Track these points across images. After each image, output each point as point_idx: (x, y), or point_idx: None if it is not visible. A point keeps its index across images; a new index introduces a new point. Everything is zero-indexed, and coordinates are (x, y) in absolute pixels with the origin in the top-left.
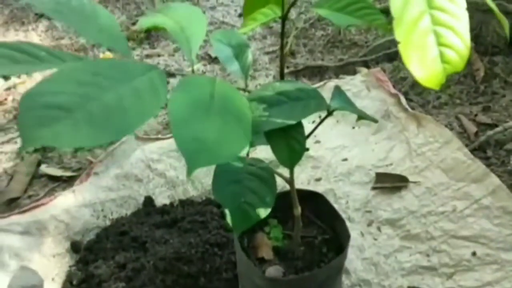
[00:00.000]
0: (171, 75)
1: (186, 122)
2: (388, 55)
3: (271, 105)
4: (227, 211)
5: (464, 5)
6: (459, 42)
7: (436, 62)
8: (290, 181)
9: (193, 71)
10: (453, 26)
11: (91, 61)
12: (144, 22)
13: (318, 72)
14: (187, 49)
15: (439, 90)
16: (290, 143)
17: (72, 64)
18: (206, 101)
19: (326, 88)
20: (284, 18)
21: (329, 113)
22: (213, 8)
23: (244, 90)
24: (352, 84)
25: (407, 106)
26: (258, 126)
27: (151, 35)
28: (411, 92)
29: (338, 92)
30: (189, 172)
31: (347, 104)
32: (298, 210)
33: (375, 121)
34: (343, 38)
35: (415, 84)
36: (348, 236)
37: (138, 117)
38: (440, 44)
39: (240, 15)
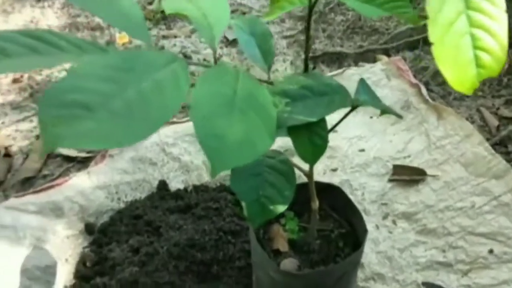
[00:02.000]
0: (187, 57)
1: (209, 119)
2: (410, 43)
3: (294, 99)
4: (243, 204)
5: (504, 6)
6: (496, 45)
7: (470, 65)
8: (309, 174)
9: (215, 61)
10: (491, 29)
11: (112, 53)
12: (167, 6)
13: (337, 59)
14: (209, 37)
15: None
16: (313, 139)
17: (92, 58)
18: (230, 96)
19: (345, 76)
20: (311, 7)
21: (353, 108)
22: None
23: (267, 82)
24: (372, 72)
25: (428, 97)
26: (281, 121)
27: (169, 16)
28: (432, 83)
29: (363, 85)
30: (213, 174)
31: (373, 99)
32: (316, 204)
33: (400, 116)
34: (364, 24)
35: (436, 74)
36: (365, 231)
37: (161, 114)
38: (476, 47)
39: None
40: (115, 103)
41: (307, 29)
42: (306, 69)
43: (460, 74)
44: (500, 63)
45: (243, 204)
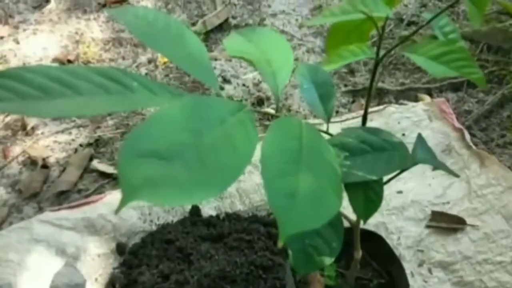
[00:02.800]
0: (227, 81)
1: (279, 176)
2: (453, 85)
3: (353, 153)
4: (290, 252)
5: None
6: None
7: None
8: (356, 224)
9: (277, 110)
10: None
11: (185, 100)
12: (230, 48)
13: (378, 95)
14: (273, 85)
15: (505, 128)
16: (368, 194)
17: (167, 107)
18: (296, 151)
19: (386, 113)
20: (377, 62)
21: (411, 165)
22: (273, 15)
23: (326, 133)
24: (413, 112)
25: (471, 143)
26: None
27: (210, 37)
28: (475, 127)
29: (421, 142)
30: (283, 236)
31: (431, 157)
32: (359, 253)
33: (457, 176)
34: (406, 61)
35: (480, 119)
36: (407, 285)
37: (233, 166)
38: None
39: (300, 26)
40: (190, 154)
41: (370, 82)
42: (364, 122)
43: None
44: None
45: (290, 252)
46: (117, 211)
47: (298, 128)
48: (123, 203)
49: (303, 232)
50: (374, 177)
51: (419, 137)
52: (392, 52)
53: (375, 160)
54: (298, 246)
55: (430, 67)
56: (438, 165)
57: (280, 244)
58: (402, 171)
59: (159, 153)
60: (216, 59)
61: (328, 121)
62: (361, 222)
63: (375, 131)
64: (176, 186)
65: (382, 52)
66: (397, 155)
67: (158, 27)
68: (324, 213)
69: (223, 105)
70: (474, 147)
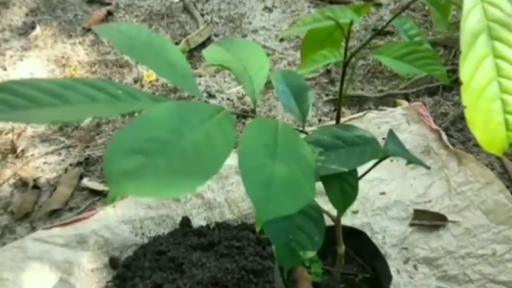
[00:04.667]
0: (212, 96)
1: (255, 169)
2: (430, 89)
3: (328, 149)
4: (273, 247)
5: None
6: None
7: (500, 129)
8: (337, 219)
9: (254, 111)
10: None
11: (168, 104)
12: (209, 58)
13: (358, 102)
14: (250, 90)
15: None
16: (344, 187)
17: (151, 109)
18: (272, 146)
19: (366, 119)
20: (345, 64)
21: (383, 158)
22: (255, 31)
23: (301, 131)
24: (392, 117)
25: (448, 143)
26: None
27: (193, 55)
28: (452, 128)
29: (392, 137)
30: (260, 222)
31: (402, 150)
32: (342, 249)
33: (428, 168)
34: (384, 69)
35: (456, 120)
36: (390, 277)
37: (212, 163)
38: (505, 111)
39: (281, 40)
40: (172, 152)
41: (341, 84)
42: (338, 120)
43: (490, 137)
44: None
45: (273, 247)
46: (107, 203)
47: (274, 126)
48: (111, 197)
49: (286, 228)
50: (347, 169)
51: (391, 132)
52: (368, 59)
53: (348, 154)
54: (282, 241)
55: (396, 66)
56: (409, 158)
57: (258, 229)
58: (375, 164)
59: (144, 150)
60: (200, 76)
61: (303, 120)
62: (346, 220)
63: (349, 128)
64: (159, 179)
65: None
66: (369, 149)
67: (140, 41)
68: (298, 201)
69: (204, 108)
70: (451, 147)
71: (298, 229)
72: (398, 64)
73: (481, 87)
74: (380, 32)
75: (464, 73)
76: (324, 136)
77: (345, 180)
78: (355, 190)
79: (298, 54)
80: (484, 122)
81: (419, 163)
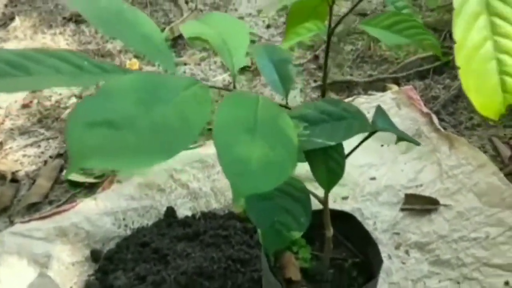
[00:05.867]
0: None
1: (231, 144)
2: (420, 73)
3: (312, 123)
4: (259, 230)
5: None
6: None
7: (496, 90)
8: (324, 201)
9: (234, 86)
10: None
11: (137, 75)
12: (187, 30)
13: (347, 87)
14: (229, 63)
15: (472, 111)
16: (330, 164)
17: (118, 79)
18: (251, 121)
19: (355, 104)
20: (330, 34)
21: (370, 134)
22: (241, 18)
23: (285, 107)
24: (382, 101)
25: (439, 126)
26: (299, 146)
27: (178, 43)
28: (443, 112)
29: (380, 112)
30: (237, 199)
31: (390, 125)
32: (330, 232)
33: (418, 144)
34: (373, 54)
35: (447, 103)
36: (380, 261)
37: (185, 136)
38: (501, 72)
39: (267, 27)
40: (141, 124)
41: (325, 55)
42: (323, 94)
43: (486, 99)
44: None
45: (259, 231)
46: (66, 176)
47: (253, 100)
48: (71, 168)
49: (271, 210)
50: (333, 143)
51: (379, 108)
52: (357, 44)
53: (334, 128)
54: (267, 223)
55: (383, 36)
56: (397, 133)
57: (235, 207)
58: (363, 141)
59: (109, 122)
60: (185, 64)
61: (286, 95)
62: (336, 206)
63: (335, 102)
64: (126, 152)
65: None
66: (356, 123)
67: (111, 12)
68: (278, 177)
69: (177, 80)
70: (442, 130)
71: (283, 211)
72: (386, 34)
73: (475, 46)
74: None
75: (457, 31)
76: (309, 111)
77: (331, 157)
78: (341, 167)
79: None
80: (479, 84)
81: (409, 139)
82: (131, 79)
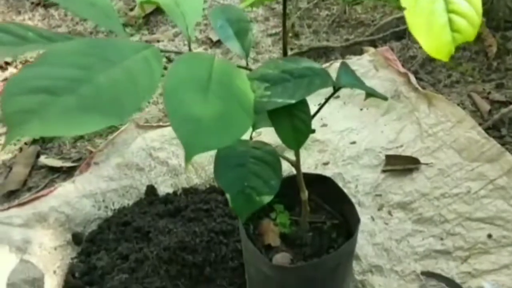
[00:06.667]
0: (171, 60)
1: (182, 103)
2: (396, 34)
3: (274, 83)
4: (228, 196)
5: None
6: (470, 9)
7: (444, 30)
8: (296, 164)
9: (190, 49)
10: None
11: (81, 40)
12: None
13: (324, 54)
14: (183, 25)
15: (450, 68)
16: (295, 123)
17: (60, 45)
18: (204, 80)
19: (332, 69)
20: None
21: (336, 91)
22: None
23: (246, 68)
24: (359, 64)
25: (417, 86)
26: (261, 106)
27: (150, 20)
28: (421, 71)
29: (344, 68)
30: (188, 158)
31: (355, 81)
32: (305, 194)
33: (385, 98)
34: (349, 18)
35: (425, 62)
36: (358, 220)
37: (132, 100)
38: (449, 10)
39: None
40: (83, 89)
41: (283, 14)
42: (285, 53)
43: (435, 40)
44: (475, 26)
45: (228, 196)
46: (3, 147)
47: (208, 60)
48: (11, 136)
49: (241, 175)
50: (294, 101)
51: (343, 64)
52: (332, 9)
53: (296, 86)
54: (237, 189)
55: None
56: (362, 88)
57: (186, 165)
58: (326, 100)
59: (49, 89)
60: (158, 41)
61: (246, 56)
62: (316, 172)
63: (296, 60)
64: (68, 117)
65: None
66: (318, 79)
67: None
68: (232, 134)
69: (126, 44)
70: (420, 89)
71: (253, 175)
72: None
73: None
74: None
75: None
76: (269, 71)
77: (296, 116)
78: (307, 126)
79: (260, 11)
80: (427, 25)
81: (377, 94)
82: (76, 44)
